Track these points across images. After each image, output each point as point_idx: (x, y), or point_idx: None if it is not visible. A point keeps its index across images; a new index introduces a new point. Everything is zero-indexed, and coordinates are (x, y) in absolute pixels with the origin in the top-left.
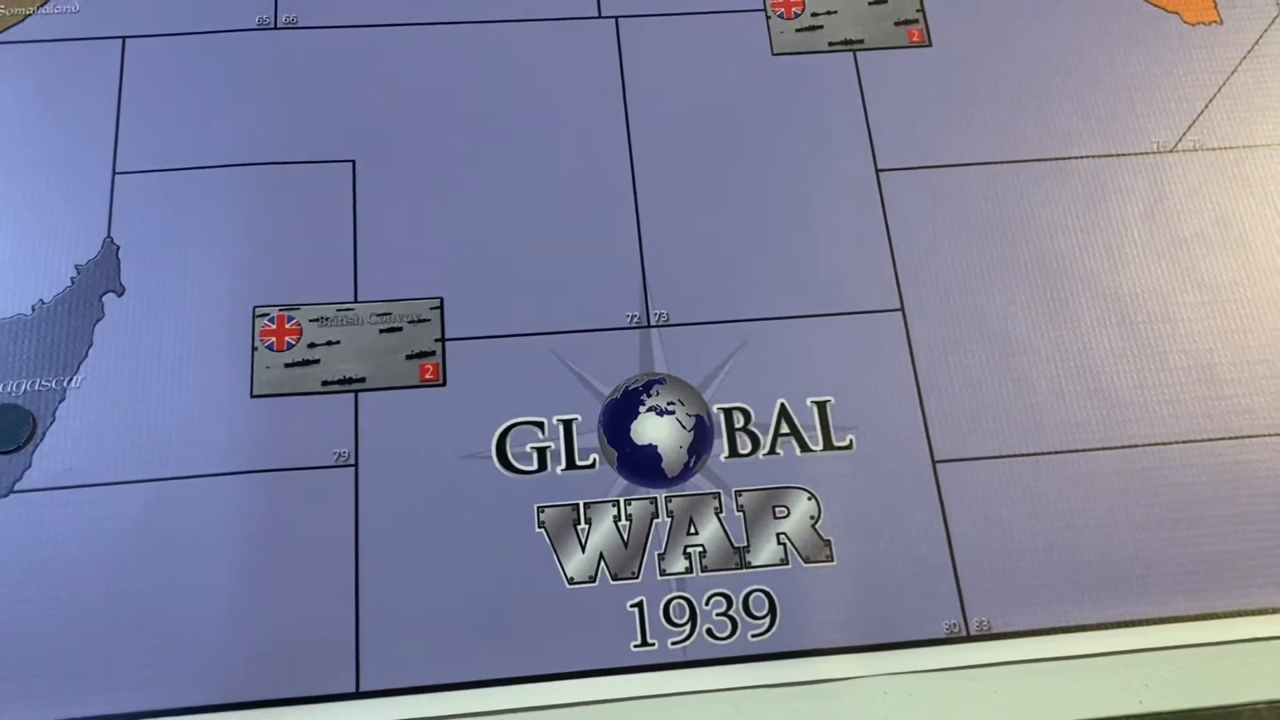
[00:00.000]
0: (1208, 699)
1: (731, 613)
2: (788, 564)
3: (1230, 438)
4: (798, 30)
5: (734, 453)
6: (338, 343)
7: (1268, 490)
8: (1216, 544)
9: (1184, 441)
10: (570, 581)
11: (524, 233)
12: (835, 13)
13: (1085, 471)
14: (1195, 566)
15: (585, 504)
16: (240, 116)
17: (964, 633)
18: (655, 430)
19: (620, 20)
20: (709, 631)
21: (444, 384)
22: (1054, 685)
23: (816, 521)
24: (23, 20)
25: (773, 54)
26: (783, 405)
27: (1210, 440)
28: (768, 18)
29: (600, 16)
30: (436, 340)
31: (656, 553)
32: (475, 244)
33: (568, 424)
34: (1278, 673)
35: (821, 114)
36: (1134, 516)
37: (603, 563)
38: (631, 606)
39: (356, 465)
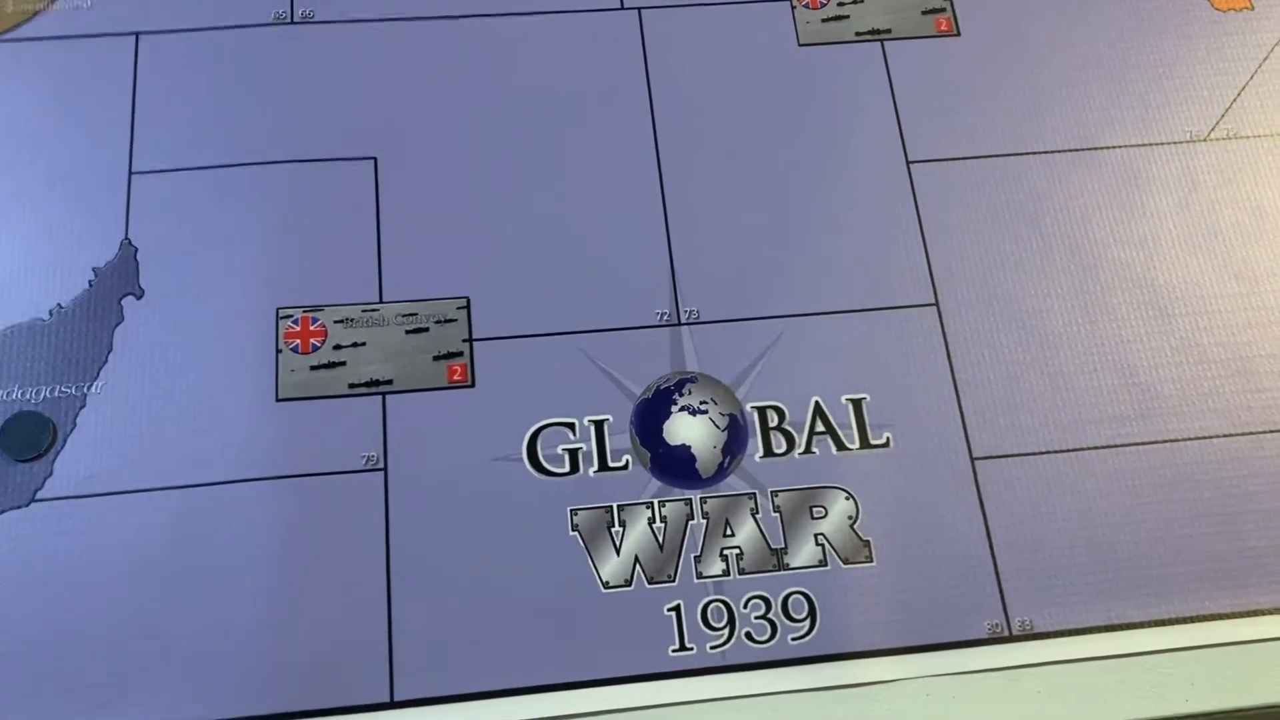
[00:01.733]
0: (1256, 698)
1: (770, 615)
2: (826, 565)
3: (1272, 431)
4: (824, 20)
5: (769, 452)
6: (364, 344)
7: None
8: (1261, 539)
9: (1224, 435)
10: (605, 585)
11: (551, 230)
12: (862, 2)
13: (1125, 467)
14: (1240, 562)
15: (619, 506)
16: (258, 114)
17: (1006, 633)
18: (688, 430)
19: (643, 11)
20: (748, 635)
21: (473, 385)
22: (1098, 685)
23: (855, 521)
24: (33, 17)
25: (799, 45)
26: (817, 403)
27: (1251, 434)
28: (793, 8)
29: (623, 8)
30: (464, 341)
31: (693, 555)
32: (501, 242)
33: (599, 425)
34: None
35: (850, 105)
36: (1176, 512)
37: (638, 566)
38: (669, 610)
39: (385, 469)
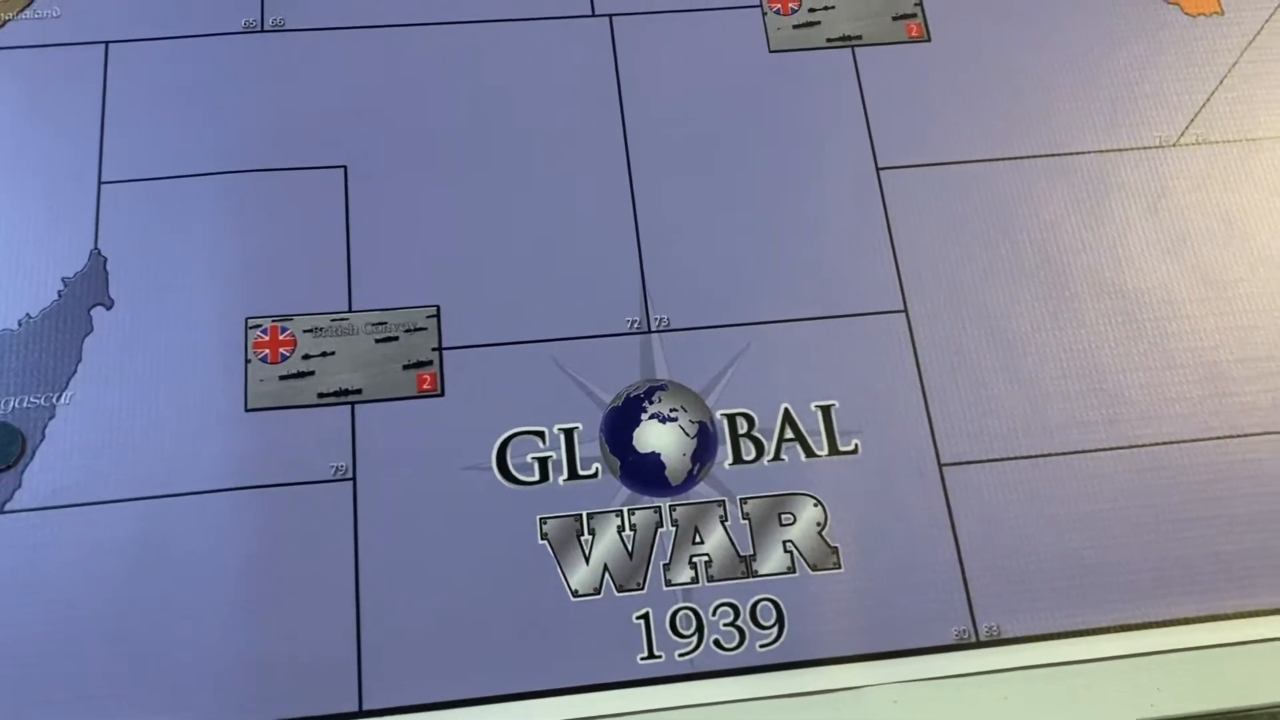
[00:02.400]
0: (1221, 702)
1: (739, 623)
2: (795, 572)
3: (1238, 435)
4: (794, 26)
5: (738, 459)
6: (333, 353)
7: (1276, 488)
8: (1227, 544)
9: (1192, 440)
10: (575, 594)
11: (521, 237)
12: (833, 8)
13: (1093, 472)
14: (1206, 567)
15: (588, 514)
16: (228, 122)
17: (973, 639)
18: (658, 438)
19: (614, 18)
20: (716, 642)
21: (442, 394)
22: (1065, 690)
23: (823, 528)
24: (2, 26)
25: (769, 51)
26: (786, 410)
27: (1218, 439)
28: (764, 14)
29: (594, 15)
30: (434, 349)
31: (662, 563)
32: (471, 249)
33: (569, 433)
34: None
35: (820, 112)
36: (1143, 517)
37: (607, 574)
38: (637, 618)
39: (355, 479)
